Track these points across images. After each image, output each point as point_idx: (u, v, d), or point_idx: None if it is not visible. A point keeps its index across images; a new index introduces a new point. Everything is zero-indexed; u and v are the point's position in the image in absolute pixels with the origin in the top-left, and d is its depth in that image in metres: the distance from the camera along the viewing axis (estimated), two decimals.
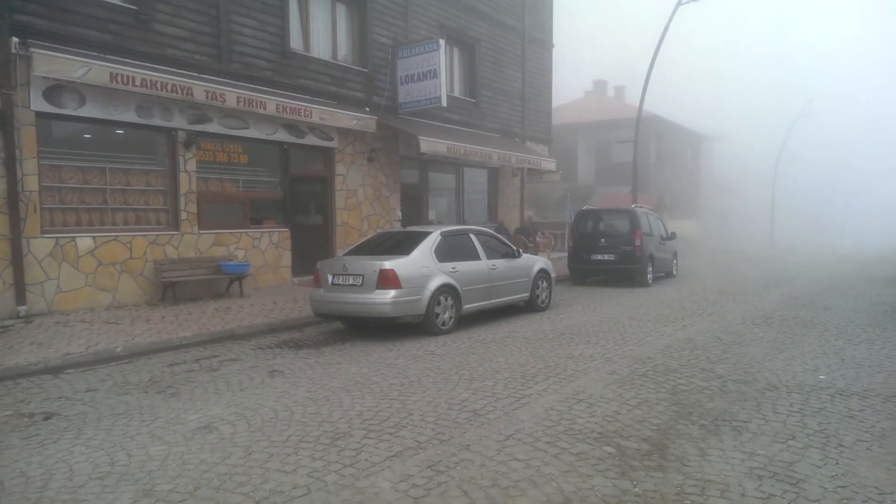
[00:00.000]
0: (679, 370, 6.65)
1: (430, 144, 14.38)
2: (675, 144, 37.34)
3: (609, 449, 4.44)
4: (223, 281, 11.92)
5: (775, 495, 3.71)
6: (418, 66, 14.86)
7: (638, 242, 14.76)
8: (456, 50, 17.95)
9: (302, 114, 12.55)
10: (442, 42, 14.87)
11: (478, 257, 9.70)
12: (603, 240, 15.22)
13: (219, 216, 12.25)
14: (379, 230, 14.47)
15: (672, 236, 17.25)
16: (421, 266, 8.68)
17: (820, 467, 4.09)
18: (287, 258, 13.31)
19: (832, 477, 3.94)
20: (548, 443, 4.56)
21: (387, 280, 8.26)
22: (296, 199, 13.87)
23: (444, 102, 14.95)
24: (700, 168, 41.68)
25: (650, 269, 15.21)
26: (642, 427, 4.88)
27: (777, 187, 39.46)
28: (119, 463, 4.35)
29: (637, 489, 3.82)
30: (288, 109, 12.30)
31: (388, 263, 8.38)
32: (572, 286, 15.12)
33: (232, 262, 11.78)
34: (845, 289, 14.38)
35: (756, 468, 4.09)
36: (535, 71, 20.93)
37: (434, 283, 8.68)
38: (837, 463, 4.16)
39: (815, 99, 39.26)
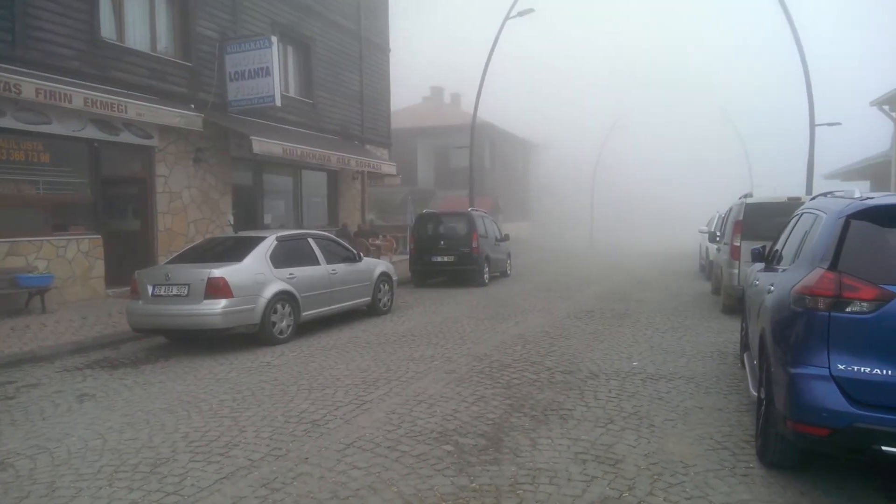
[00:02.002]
0: (513, 365, 6.96)
1: (263, 145, 13.77)
2: (508, 151, 39.46)
3: (448, 447, 4.50)
4: (21, 296, 10.44)
5: (597, 477, 3.98)
6: (249, 63, 14.18)
7: (475, 244, 15.33)
8: (290, 49, 17.41)
9: (115, 109, 11.37)
10: (274, 39, 14.34)
11: (317, 262, 9.44)
12: (442, 242, 15.62)
13: (14, 223, 10.71)
14: (208, 235, 13.56)
15: (506, 238, 18.14)
16: (255, 273, 8.23)
17: (635, 447, 4.48)
18: (100, 268, 11.98)
19: (645, 455, 4.33)
20: (388, 447, 4.52)
21: (216, 289, 7.72)
22: (110, 202, 12.56)
23: (279, 102, 14.42)
24: (530, 173, 44.46)
25: (487, 269, 15.86)
26: (479, 423, 5.02)
27: (595, 192, 43.21)
28: None
29: (474, 484, 3.90)
30: (98, 104, 11.07)
31: (218, 271, 7.84)
32: (414, 288, 15.32)
33: (31, 275, 10.35)
34: (653, 283, 16.09)
35: (580, 453, 4.37)
36: (374, 74, 20.96)
37: (270, 291, 8.28)
38: (649, 442, 4.58)
39: (627, 113, 43.73)
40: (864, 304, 3.33)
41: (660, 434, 4.73)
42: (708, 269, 15.85)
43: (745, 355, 5.97)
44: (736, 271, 10.04)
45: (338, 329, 9.56)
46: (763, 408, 4.15)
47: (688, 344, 8.07)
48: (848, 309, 3.37)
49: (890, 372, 3.24)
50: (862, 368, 3.30)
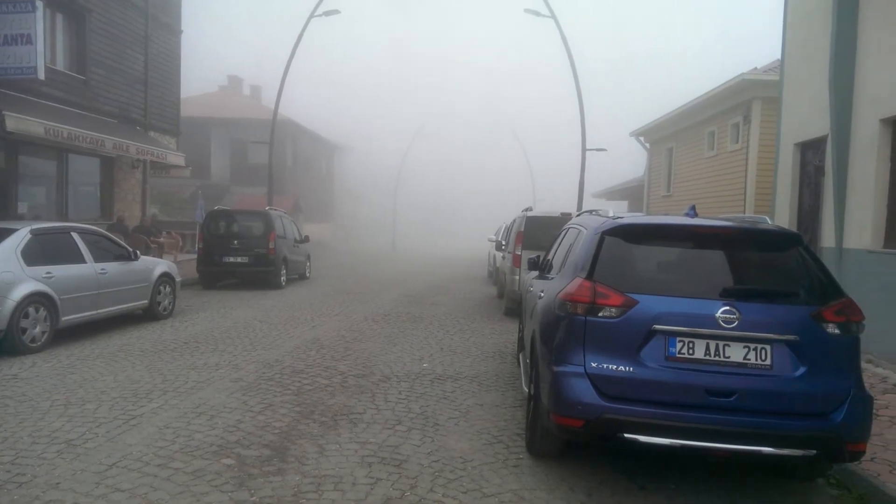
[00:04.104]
0: (305, 371, 6.81)
1: (20, 122, 11.84)
2: (311, 151, 38.71)
3: (228, 461, 4.25)
4: None
5: (382, 479, 4.05)
6: (6, 28, 12.14)
7: (272, 245, 14.76)
8: (60, 16, 15.24)
9: None
10: (40, 4, 12.44)
11: (82, 260, 8.34)
12: (236, 241, 14.79)
13: None
14: None
15: (306, 239, 17.75)
16: (0, 271, 7.03)
17: (419, 446, 4.63)
18: None
19: (428, 453, 4.50)
20: (159, 465, 4.13)
21: None
22: None
23: (42, 75, 12.54)
24: (334, 175, 44.11)
25: (284, 271, 15.37)
26: (265, 433, 4.81)
27: (398, 197, 44.33)
28: None
29: (254, 498, 3.73)
30: None
31: None
32: (202, 290, 14.30)
33: None
34: (447, 287, 16.89)
35: (367, 456, 4.41)
36: (161, 56, 19.17)
37: (19, 292, 7.12)
38: (433, 440, 4.76)
39: (429, 122, 45.57)
40: (613, 309, 3.81)
41: (443, 432, 4.95)
42: (495, 274, 17.06)
43: (520, 355, 6.51)
44: (517, 277, 10.93)
45: (107, 336, 8.54)
46: (532, 403, 4.55)
47: (473, 345, 8.59)
48: (600, 314, 3.83)
49: (631, 369, 3.74)
50: (610, 366, 3.77)
